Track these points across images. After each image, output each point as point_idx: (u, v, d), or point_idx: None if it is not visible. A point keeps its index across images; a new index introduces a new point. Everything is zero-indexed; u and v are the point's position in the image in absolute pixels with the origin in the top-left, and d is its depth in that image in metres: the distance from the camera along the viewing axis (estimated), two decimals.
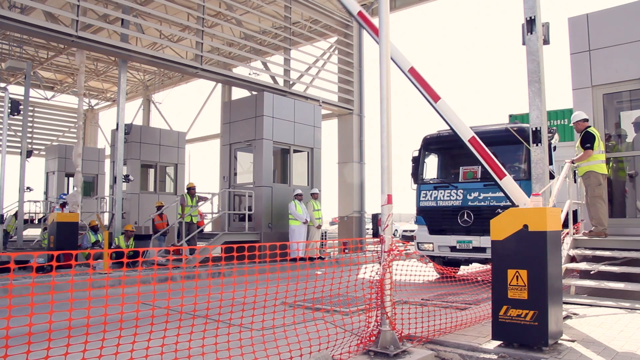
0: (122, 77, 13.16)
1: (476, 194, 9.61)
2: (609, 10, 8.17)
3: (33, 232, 20.21)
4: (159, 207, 14.42)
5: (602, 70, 8.05)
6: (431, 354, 4.34)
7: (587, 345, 4.41)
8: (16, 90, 21.69)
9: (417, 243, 10.43)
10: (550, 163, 8.70)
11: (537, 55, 5.20)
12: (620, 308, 6.11)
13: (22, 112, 15.90)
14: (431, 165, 10.92)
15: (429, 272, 10.12)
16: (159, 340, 3.52)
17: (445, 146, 10.64)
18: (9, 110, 14.51)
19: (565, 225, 6.87)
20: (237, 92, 21.22)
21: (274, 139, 14.19)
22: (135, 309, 3.47)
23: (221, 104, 22.06)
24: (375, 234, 16.47)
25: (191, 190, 13.23)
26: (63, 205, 13.21)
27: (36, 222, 21.14)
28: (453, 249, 9.79)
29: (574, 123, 7.79)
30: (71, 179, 21.39)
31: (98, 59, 23.14)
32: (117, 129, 13.28)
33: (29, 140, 24.61)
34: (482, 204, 9.52)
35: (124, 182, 13.73)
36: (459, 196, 9.82)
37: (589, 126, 7.60)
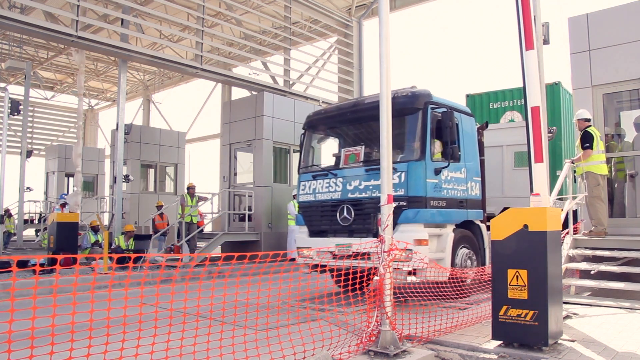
0: (122, 77, 13.17)
1: (357, 183, 7.36)
2: (609, 10, 8.16)
3: (34, 232, 20.22)
4: (159, 207, 14.43)
5: (602, 70, 8.05)
6: (431, 354, 4.35)
7: (587, 345, 4.42)
8: (16, 90, 21.73)
9: (297, 248, 8.05)
10: (482, 154, 7.99)
11: (537, 55, 5.19)
12: (620, 308, 6.12)
13: (22, 112, 15.96)
14: (327, 152, 8.93)
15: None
16: (163, 343, 3.52)
17: (331, 125, 8.52)
18: (9, 110, 14.54)
19: (565, 225, 6.86)
20: (237, 92, 21.22)
21: (274, 139, 14.18)
22: (138, 312, 3.47)
23: (221, 104, 22.06)
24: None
25: (191, 190, 13.24)
26: (63, 205, 13.22)
27: (36, 222, 21.15)
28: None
29: (576, 120, 7.74)
30: (71, 179, 21.40)
31: (98, 59, 23.15)
32: (117, 129, 13.30)
33: (29, 140, 24.62)
34: (364, 195, 7.23)
35: (124, 182, 13.74)
36: (339, 187, 7.57)
37: (589, 126, 7.58)
